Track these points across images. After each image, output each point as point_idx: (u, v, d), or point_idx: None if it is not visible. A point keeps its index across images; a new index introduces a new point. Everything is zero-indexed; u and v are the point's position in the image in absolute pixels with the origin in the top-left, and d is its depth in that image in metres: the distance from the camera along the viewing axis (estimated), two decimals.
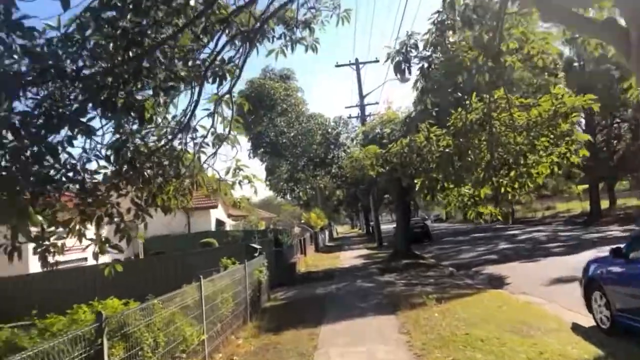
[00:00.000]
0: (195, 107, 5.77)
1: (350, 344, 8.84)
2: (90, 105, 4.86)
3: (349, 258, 28.55)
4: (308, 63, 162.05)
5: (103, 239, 5.56)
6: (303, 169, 20.43)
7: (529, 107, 8.86)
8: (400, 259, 23.60)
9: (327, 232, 53.05)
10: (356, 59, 30.80)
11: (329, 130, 20.12)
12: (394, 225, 55.32)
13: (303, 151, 19.72)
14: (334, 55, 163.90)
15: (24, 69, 4.66)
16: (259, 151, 20.80)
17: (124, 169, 5.66)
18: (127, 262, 21.71)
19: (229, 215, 48.89)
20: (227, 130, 6.46)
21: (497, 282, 15.45)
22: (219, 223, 43.34)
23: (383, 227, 43.76)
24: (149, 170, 5.99)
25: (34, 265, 20.41)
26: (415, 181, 9.05)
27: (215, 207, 42.13)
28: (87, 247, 5.54)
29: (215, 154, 6.28)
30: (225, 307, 9.72)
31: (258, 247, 14.31)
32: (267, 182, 23.61)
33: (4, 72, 4.43)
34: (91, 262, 25.68)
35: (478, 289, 14.23)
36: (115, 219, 5.74)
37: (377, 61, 32.30)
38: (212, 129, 6.32)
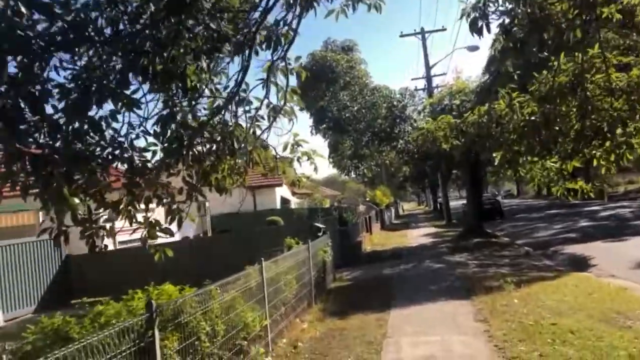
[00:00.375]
0: (245, 74, 5.17)
1: (422, 333, 8.16)
2: (131, 74, 4.37)
3: (416, 236, 27.66)
4: (371, 34, 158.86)
5: (153, 222, 5.13)
6: (367, 145, 19.64)
7: (629, 66, 7.66)
8: (471, 237, 22.47)
9: (393, 210, 52.12)
10: (422, 28, 29.34)
11: (395, 103, 19.15)
12: (463, 202, 53.52)
13: (367, 126, 18.90)
14: (397, 26, 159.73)
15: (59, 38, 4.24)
16: (322, 127, 20.19)
17: (173, 145, 5.19)
18: (193, 240, 22.04)
19: (294, 194, 48.97)
20: (282, 101, 5.84)
21: (581, 264, 14.14)
22: (284, 201, 43.47)
23: (451, 203, 42.28)
24: (199, 147, 5.50)
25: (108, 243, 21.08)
26: (495, 154, 8.11)
27: (280, 185, 42.20)
28: (135, 230, 5.12)
29: (270, 127, 5.68)
30: (288, 289, 9.28)
31: (322, 226, 13.82)
32: (331, 159, 23.04)
33: (38, 36, 4.01)
34: (161, 240, 26.32)
35: (559, 271, 13.06)
36: (165, 200, 5.30)
37: (444, 29, 30.79)
38: (266, 100, 5.72)
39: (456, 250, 19.33)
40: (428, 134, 6.89)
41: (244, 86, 5.36)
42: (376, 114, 19.38)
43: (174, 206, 5.37)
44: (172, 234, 5.16)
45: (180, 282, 6.76)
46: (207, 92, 4.97)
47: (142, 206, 5.16)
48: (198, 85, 4.72)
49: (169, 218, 5.32)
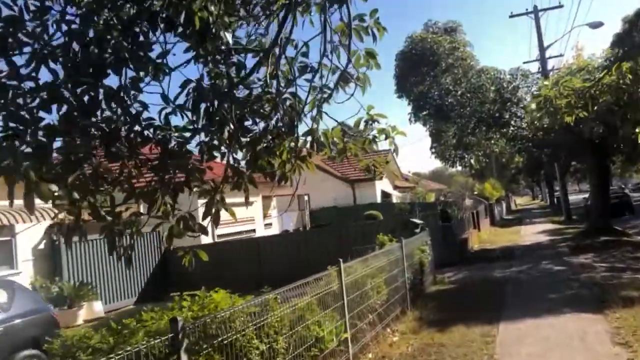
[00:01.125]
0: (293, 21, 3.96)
1: (541, 356, 6.51)
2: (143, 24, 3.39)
3: (530, 233, 24.97)
4: (476, 17, 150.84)
5: (183, 216, 4.14)
6: (473, 132, 17.69)
7: None
8: (597, 235, 19.59)
9: (504, 204, 48.57)
10: (535, 7, 26.42)
11: (504, 84, 17.01)
12: (584, 196, 48.48)
13: (473, 111, 16.98)
14: (505, 7, 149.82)
15: None
16: (422, 114, 18.54)
17: (215, 120, 4.16)
18: (286, 235, 21.46)
19: (395, 187, 47.28)
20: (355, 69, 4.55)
21: None
22: (385, 195, 42.01)
23: (570, 198, 38.13)
24: (249, 123, 4.42)
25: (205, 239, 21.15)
26: (638, 130, 6.22)
27: (380, 178, 40.84)
28: (157, 226, 4.16)
29: (331, 95, 4.44)
30: (376, 295, 8.03)
31: (419, 222, 12.36)
32: (433, 150, 21.24)
33: None
34: (260, 233, 26.24)
35: None
36: (205, 187, 4.30)
37: (560, 6, 27.45)
38: (333, 66, 4.49)
39: (579, 250, 16.81)
40: (546, 102, 5.27)
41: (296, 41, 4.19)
42: (483, 98, 17.35)
43: (217, 198, 4.33)
44: (205, 233, 4.13)
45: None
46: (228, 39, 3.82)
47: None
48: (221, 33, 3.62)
49: (203, 212, 4.29)
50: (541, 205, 65.98)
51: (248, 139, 4.50)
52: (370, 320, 7.67)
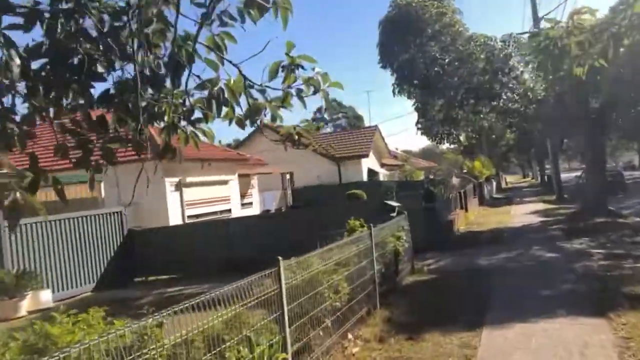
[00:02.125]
0: None
1: None
2: None
3: (521, 214, 23.68)
4: None
5: None
6: (461, 105, 16.18)
7: None
8: (591, 217, 18.33)
9: (494, 183, 47.33)
10: None
11: (495, 52, 15.44)
12: (576, 174, 47.33)
13: (461, 82, 15.44)
14: None
15: None
16: (406, 85, 16.95)
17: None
18: (259, 217, 20.00)
19: (382, 165, 45.83)
20: None
21: None
22: (372, 173, 40.56)
23: (562, 176, 36.87)
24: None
25: (173, 220, 19.66)
26: None
27: (366, 155, 39.34)
28: None
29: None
30: (334, 295, 6.60)
31: (396, 204, 10.92)
32: (419, 126, 19.70)
33: None
34: (237, 213, 24.81)
35: None
36: None
37: None
38: None
39: (573, 234, 15.52)
40: (550, 44, 3.88)
41: None
42: (472, 68, 15.80)
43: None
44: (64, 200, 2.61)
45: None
46: None
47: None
48: None
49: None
50: (532, 184, 64.95)
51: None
52: (325, 326, 6.26)
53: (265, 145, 39.29)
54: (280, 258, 5.20)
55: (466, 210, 22.93)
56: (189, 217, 20.36)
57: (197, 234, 17.60)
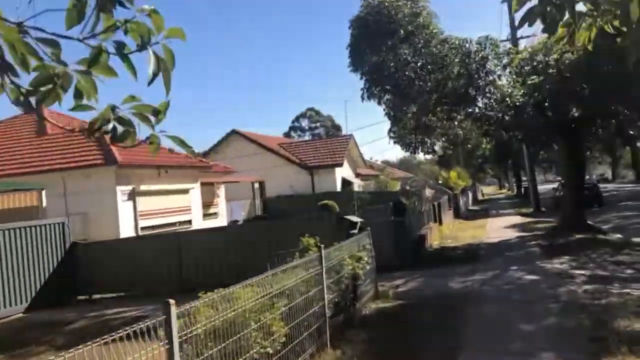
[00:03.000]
0: None
1: None
2: None
3: (497, 228, 22.58)
4: None
5: None
6: (434, 111, 15.00)
7: None
8: (570, 232, 17.28)
9: (470, 194, 46.53)
10: None
11: (470, 55, 14.29)
12: (553, 186, 46.80)
13: (434, 86, 14.24)
14: None
15: None
16: (376, 90, 15.69)
17: None
18: (216, 230, 18.42)
19: (357, 175, 44.64)
20: None
21: None
22: (346, 183, 39.34)
23: (539, 188, 36.02)
24: None
25: (125, 231, 18.03)
26: None
27: (340, 165, 38.11)
28: None
29: None
30: (264, 342, 5.18)
31: (356, 219, 9.56)
32: (391, 134, 18.45)
33: None
34: (198, 224, 23.22)
35: None
36: None
37: None
38: None
39: (552, 251, 14.39)
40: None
41: None
42: (446, 72, 14.62)
43: None
44: None
45: None
46: None
47: None
48: None
49: None
50: (508, 195, 64.52)
51: None
52: None
53: (239, 152, 37.94)
54: (171, 302, 3.75)
55: (440, 223, 21.75)
56: (143, 228, 18.75)
57: (147, 248, 16.05)
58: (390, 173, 55.41)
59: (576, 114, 17.22)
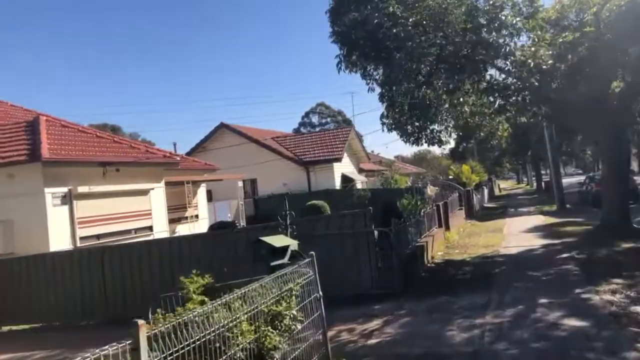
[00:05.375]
0: None
1: None
2: None
3: (517, 232, 18.58)
4: None
5: None
6: (429, 81, 11.13)
7: None
8: (612, 238, 13.32)
9: (485, 190, 42.34)
10: None
11: (479, 3, 10.39)
12: (578, 180, 42.30)
13: (429, 45, 10.37)
14: None
15: None
16: (354, 55, 11.82)
17: None
18: (155, 242, 14.68)
19: (361, 171, 40.69)
20: None
21: None
22: (346, 180, 35.47)
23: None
24: None
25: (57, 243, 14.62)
26: None
27: (338, 160, 34.23)
28: None
29: None
30: None
31: (288, 243, 5.71)
32: (384, 120, 14.55)
33: None
34: (162, 231, 19.65)
35: None
36: None
37: None
38: None
39: (595, 270, 10.46)
40: None
41: None
42: (447, 30, 10.72)
43: None
44: None
45: None
46: None
47: None
48: None
49: None
50: (527, 190, 59.98)
51: None
52: None
53: (228, 148, 34.30)
54: None
55: (447, 228, 17.83)
56: (83, 239, 15.17)
57: (73, 265, 12.59)
58: (400, 168, 51.38)
59: (620, 85, 13.29)
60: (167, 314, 4.45)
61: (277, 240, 5.63)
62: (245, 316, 4.40)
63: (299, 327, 5.13)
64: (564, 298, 8.42)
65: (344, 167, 35.70)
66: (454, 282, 10.77)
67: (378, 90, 13.53)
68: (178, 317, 3.93)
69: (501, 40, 10.72)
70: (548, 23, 12.27)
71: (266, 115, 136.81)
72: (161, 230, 18.75)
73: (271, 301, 4.86)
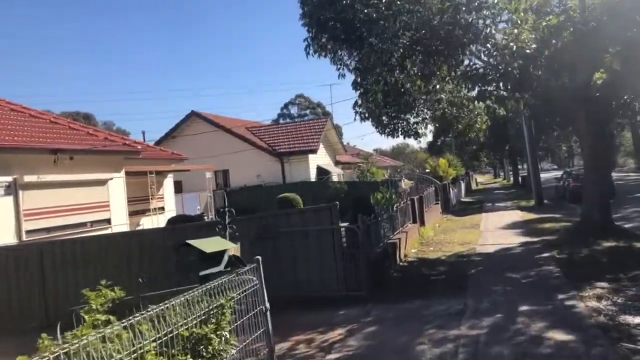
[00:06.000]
0: None
1: None
2: None
3: (494, 228, 17.87)
4: None
5: None
6: (403, 63, 10.21)
7: None
8: (593, 236, 12.64)
9: (463, 184, 41.84)
10: None
11: None
12: (555, 174, 42.12)
13: (403, 25, 9.44)
14: None
15: None
16: (325, 38, 10.84)
17: None
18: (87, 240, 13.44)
19: (337, 163, 39.80)
20: None
21: None
22: (322, 172, 34.54)
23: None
24: None
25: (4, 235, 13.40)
26: None
27: (314, 151, 33.25)
28: None
29: None
30: None
31: (229, 247, 4.71)
32: (357, 109, 13.61)
33: None
34: (121, 224, 18.44)
35: None
36: None
37: None
38: None
39: (577, 271, 9.73)
40: None
41: None
42: (423, 7, 9.79)
43: None
44: None
45: None
46: None
47: None
48: None
49: None
50: (504, 185, 59.84)
51: None
52: None
53: (199, 137, 33.02)
54: None
55: (422, 223, 17.01)
56: (29, 232, 13.95)
57: (8, 262, 11.39)
58: (377, 161, 50.60)
59: (603, 77, 12.58)
60: (56, 340, 3.46)
61: (211, 244, 4.64)
62: (154, 344, 3.42)
63: (233, 351, 4.16)
64: (546, 305, 7.61)
65: (320, 158, 34.78)
66: (427, 284, 9.91)
67: (349, 76, 12.55)
68: (60, 348, 2.95)
69: (481, 22, 9.87)
70: (530, 9, 11.44)
71: (247, 106, 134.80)
72: (120, 223, 17.56)
73: (195, 321, 3.89)
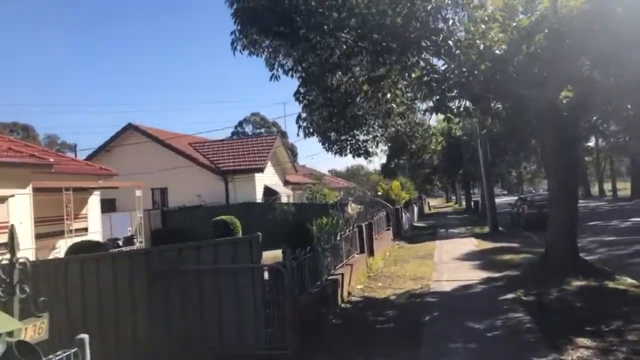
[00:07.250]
0: None
1: None
2: None
3: (449, 259, 16.18)
4: None
5: None
6: (347, 62, 8.39)
7: None
8: (561, 273, 11.08)
9: (416, 208, 40.56)
10: None
11: None
12: (506, 200, 41.42)
13: (348, 17, 7.64)
14: None
15: None
16: (254, 31, 8.91)
17: None
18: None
19: (287, 183, 37.77)
20: None
21: None
22: (269, 192, 32.38)
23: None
24: None
25: None
26: None
27: (261, 170, 31.14)
28: None
29: None
30: None
31: (11, 325, 2.65)
32: (300, 123, 11.72)
33: None
34: (28, 248, 15.80)
35: None
36: None
37: None
38: None
39: (550, 320, 8.04)
40: None
41: None
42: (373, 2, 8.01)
43: None
44: None
45: None
46: None
47: None
48: None
49: None
50: (456, 209, 59.24)
51: None
52: None
53: (136, 151, 30.35)
54: None
55: (371, 253, 15.14)
56: None
57: None
58: (331, 182, 48.90)
59: (569, 95, 11.21)
60: None
61: None
62: None
63: None
64: None
65: (268, 178, 32.68)
66: (371, 336, 7.94)
67: (285, 79, 10.57)
68: None
69: (442, 13, 8.21)
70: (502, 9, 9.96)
71: (201, 123, 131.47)
72: (24, 247, 14.84)
73: None
